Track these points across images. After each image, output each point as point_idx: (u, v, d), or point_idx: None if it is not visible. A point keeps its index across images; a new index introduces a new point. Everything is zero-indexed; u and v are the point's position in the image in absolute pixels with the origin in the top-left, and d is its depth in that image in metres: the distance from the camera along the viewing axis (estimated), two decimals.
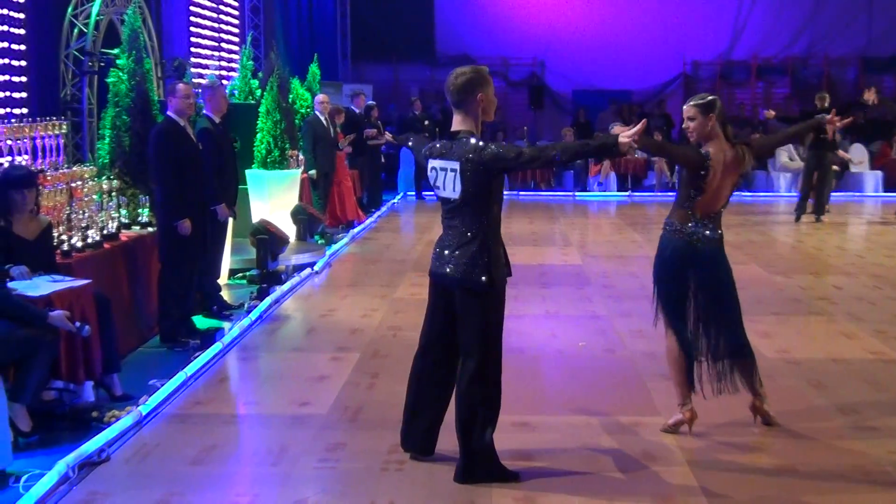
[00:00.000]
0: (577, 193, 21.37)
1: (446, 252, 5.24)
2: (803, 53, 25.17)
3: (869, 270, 11.89)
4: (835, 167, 17.44)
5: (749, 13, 25.05)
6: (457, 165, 5.08)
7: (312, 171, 14.33)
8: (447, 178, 5.16)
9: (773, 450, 5.82)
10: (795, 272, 11.78)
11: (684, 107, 5.97)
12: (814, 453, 5.76)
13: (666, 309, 5.97)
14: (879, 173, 21.41)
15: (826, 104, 16.57)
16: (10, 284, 6.08)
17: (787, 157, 20.66)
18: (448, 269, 5.20)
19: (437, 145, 5.29)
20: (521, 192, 21.53)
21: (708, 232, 5.88)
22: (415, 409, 5.56)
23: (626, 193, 21.05)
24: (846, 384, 7.08)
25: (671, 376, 6.03)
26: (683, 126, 6.04)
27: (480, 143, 5.09)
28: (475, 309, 5.20)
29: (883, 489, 5.27)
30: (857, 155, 21.55)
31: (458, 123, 5.23)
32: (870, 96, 16.25)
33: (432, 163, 5.27)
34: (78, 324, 6.02)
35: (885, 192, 21.08)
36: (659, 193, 20.64)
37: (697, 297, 5.94)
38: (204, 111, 9.21)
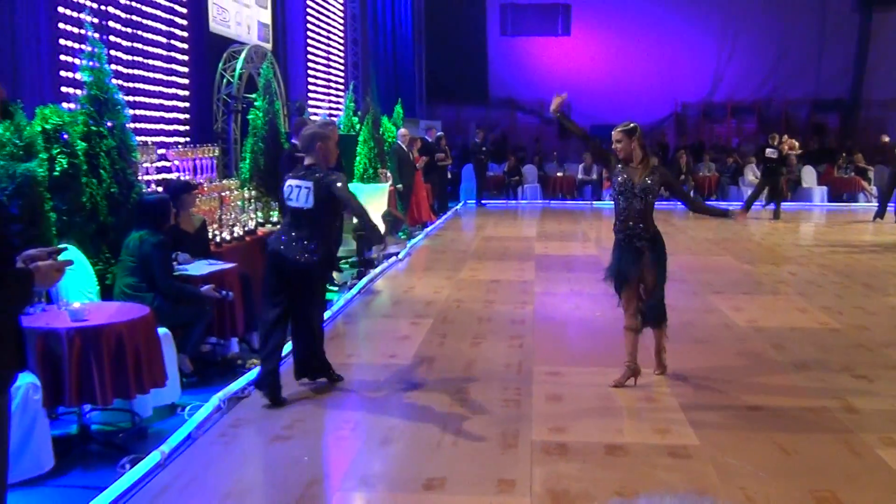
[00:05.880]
0: (594, 202, 21.16)
1: None
2: (767, 96, 24.49)
3: (817, 262, 11.61)
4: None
5: (727, 64, 24.40)
6: (311, 185, 5.35)
7: (399, 185, 14.43)
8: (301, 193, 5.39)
9: (747, 393, 5.73)
10: (760, 262, 11.55)
11: (613, 132, 5.80)
12: (777, 397, 5.68)
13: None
14: (825, 188, 21.23)
15: (775, 142, 16.52)
16: (177, 267, 6.20)
17: (753, 175, 20.26)
18: None
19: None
20: (552, 201, 21.36)
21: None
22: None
23: None
24: (800, 347, 6.96)
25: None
26: (612, 146, 5.85)
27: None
28: None
29: (829, 425, 5.17)
30: (808, 174, 21.40)
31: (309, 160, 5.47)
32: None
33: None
34: (224, 291, 6.12)
35: (829, 202, 20.96)
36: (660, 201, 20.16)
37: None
38: None
